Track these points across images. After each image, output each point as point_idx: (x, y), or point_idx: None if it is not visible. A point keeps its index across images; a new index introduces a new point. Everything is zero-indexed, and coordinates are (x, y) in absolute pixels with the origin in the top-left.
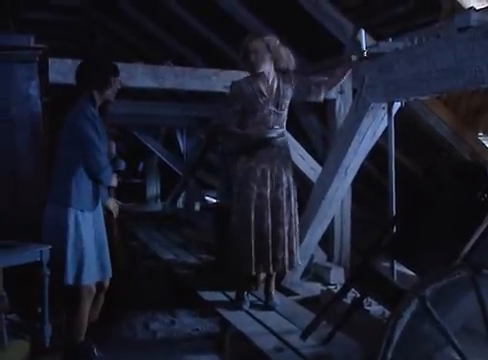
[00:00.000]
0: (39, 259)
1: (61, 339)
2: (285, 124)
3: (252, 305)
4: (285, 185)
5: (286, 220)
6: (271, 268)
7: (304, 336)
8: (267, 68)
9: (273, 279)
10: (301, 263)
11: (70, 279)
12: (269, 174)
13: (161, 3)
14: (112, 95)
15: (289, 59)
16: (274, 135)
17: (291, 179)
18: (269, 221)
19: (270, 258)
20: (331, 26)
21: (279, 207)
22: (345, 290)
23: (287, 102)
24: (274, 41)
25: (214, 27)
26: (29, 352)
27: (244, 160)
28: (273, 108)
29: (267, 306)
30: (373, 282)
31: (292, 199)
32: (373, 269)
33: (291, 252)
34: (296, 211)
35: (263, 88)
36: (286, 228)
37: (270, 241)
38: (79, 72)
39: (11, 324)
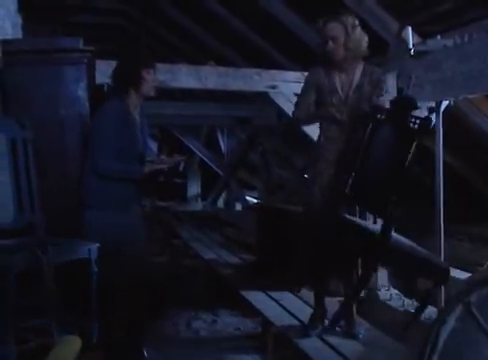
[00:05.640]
0: (87, 256)
1: (107, 336)
2: None
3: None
4: None
5: None
6: None
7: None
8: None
9: (354, 305)
10: None
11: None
12: None
13: (203, 4)
14: (149, 90)
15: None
16: None
17: None
18: None
19: None
20: (375, 24)
21: None
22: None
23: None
24: (352, 22)
25: (255, 26)
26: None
27: None
28: (343, 108)
29: (349, 335)
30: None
31: None
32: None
33: None
34: None
35: (338, 83)
36: None
37: None
38: (113, 72)
39: (60, 320)
